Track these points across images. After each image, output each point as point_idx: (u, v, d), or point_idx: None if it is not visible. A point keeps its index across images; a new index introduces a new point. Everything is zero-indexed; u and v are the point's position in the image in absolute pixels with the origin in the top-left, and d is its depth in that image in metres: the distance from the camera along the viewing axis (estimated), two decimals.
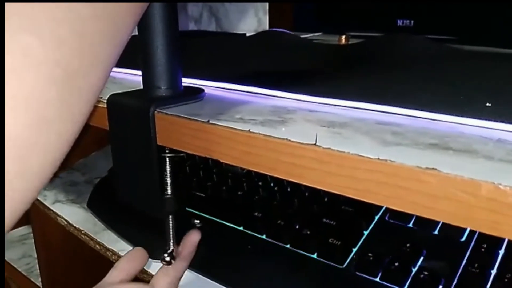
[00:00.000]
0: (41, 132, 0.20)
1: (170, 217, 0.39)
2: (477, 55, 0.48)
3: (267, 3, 0.87)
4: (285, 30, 0.66)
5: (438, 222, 0.40)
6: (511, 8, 0.55)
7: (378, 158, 0.22)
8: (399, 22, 0.66)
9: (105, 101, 0.35)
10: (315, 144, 0.24)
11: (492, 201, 0.19)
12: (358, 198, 0.23)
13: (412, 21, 0.65)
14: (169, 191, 0.36)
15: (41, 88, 0.19)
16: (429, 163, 0.21)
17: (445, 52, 0.49)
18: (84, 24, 0.21)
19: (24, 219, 0.77)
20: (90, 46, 0.22)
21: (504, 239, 0.37)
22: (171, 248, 0.40)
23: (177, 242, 0.41)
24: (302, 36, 0.68)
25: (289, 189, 0.50)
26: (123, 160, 0.36)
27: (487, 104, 0.28)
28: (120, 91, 0.35)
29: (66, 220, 0.59)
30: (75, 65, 0.21)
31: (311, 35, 0.77)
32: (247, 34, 0.73)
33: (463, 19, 0.60)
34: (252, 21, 0.90)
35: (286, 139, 0.26)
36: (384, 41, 0.54)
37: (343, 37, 0.69)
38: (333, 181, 0.24)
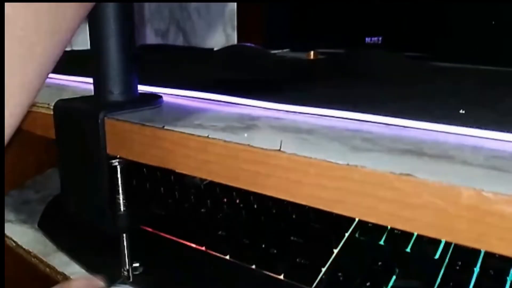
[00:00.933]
0: None
1: (124, 235, 0.36)
2: (444, 69, 0.48)
3: (235, 20, 0.85)
4: (253, 45, 0.64)
5: (411, 239, 0.38)
6: (475, 28, 0.55)
7: (348, 164, 0.20)
8: (368, 40, 0.67)
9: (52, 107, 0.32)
10: (279, 150, 0.22)
11: (474, 210, 0.17)
12: (327, 209, 0.21)
13: (380, 39, 0.66)
14: (122, 207, 0.33)
15: None
16: (403, 169, 0.19)
17: (413, 66, 0.48)
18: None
19: None
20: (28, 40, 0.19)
21: (479, 256, 0.35)
22: (126, 268, 0.36)
23: (133, 261, 0.37)
24: (270, 52, 0.66)
25: (255, 206, 0.48)
26: (71, 171, 0.32)
27: (461, 111, 0.27)
28: None
29: (15, 242, 0.55)
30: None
31: (279, 51, 0.76)
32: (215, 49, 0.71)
33: (430, 37, 0.60)
34: (220, 37, 0.88)
35: (248, 145, 0.23)
36: (353, 55, 0.53)
37: (312, 53, 0.68)
38: (299, 190, 0.22)
